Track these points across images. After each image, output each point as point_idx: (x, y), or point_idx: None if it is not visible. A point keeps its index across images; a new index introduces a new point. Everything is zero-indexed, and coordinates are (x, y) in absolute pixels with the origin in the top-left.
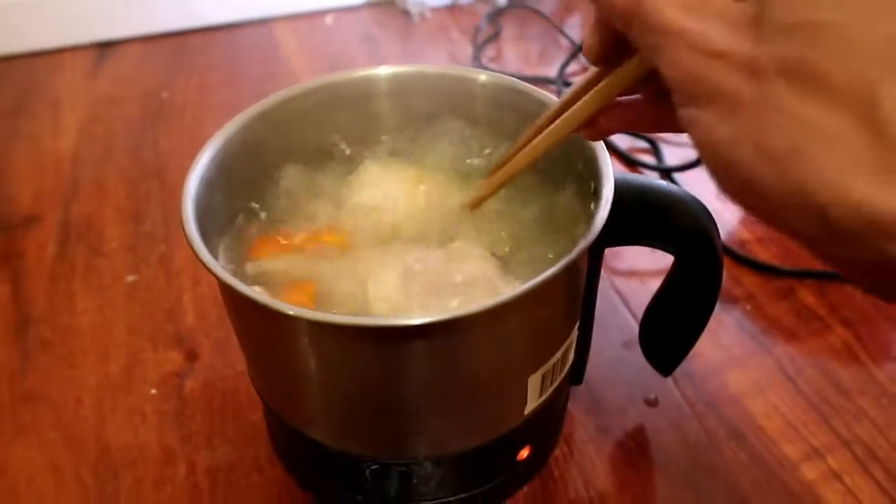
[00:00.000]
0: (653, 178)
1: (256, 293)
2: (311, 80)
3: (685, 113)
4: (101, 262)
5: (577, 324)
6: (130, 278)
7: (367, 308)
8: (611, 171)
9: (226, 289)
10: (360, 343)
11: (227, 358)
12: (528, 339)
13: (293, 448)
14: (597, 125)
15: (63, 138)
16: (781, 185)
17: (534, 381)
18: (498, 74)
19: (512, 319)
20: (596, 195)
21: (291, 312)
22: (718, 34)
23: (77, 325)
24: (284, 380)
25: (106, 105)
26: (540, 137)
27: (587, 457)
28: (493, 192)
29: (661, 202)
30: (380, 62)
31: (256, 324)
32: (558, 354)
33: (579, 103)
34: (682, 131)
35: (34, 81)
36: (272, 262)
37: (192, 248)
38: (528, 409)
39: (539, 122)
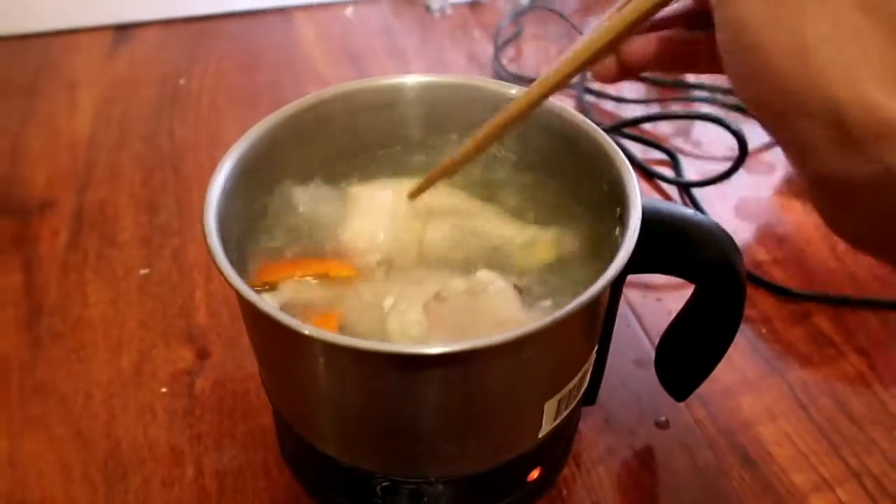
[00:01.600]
0: (680, 207)
1: (277, 312)
2: (335, 86)
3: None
4: (114, 253)
5: (595, 349)
6: (143, 271)
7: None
8: (638, 199)
9: (246, 304)
10: (376, 368)
11: (237, 358)
12: (545, 368)
13: (303, 457)
14: (620, 54)
15: (78, 120)
16: (801, 75)
17: (549, 407)
18: (526, 90)
19: (530, 351)
20: (622, 221)
21: (307, 332)
22: None
23: (88, 317)
24: (298, 395)
25: (123, 88)
26: (558, 64)
27: (595, 477)
28: (503, 128)
29: (690, 234)
30: (398, 57)
31: (274, 340)
32: (575, 380)
33: (602, 26)
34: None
35: (51, 61)
36: (292, 289)
37: (215, 263)
38: (542, 433)
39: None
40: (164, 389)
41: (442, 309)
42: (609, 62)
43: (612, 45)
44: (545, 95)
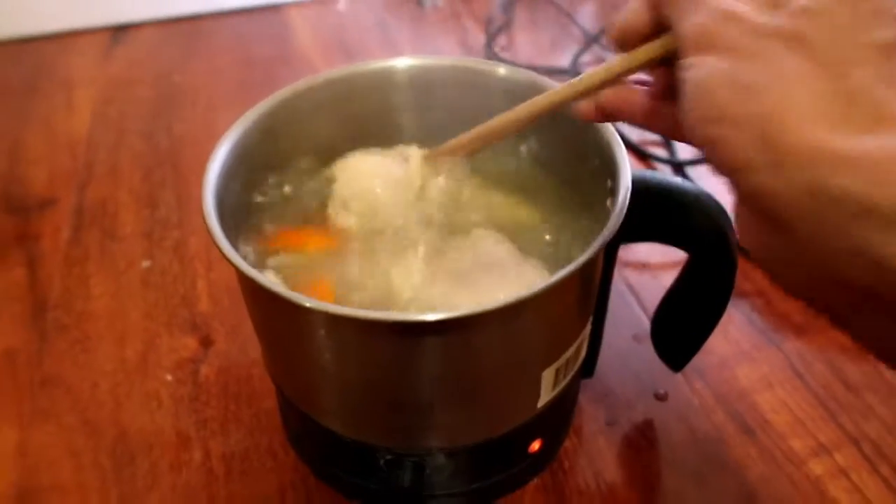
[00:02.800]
0: (669, 176)
1: (275, 285)
2: (327, 72)
3: (685, 62)
4: (115, 247)
5: (591, 319)
6: (145, 264)
7: (391, 294)
8: (628, 169)
9: (245, 280)
10: (375, 337)
11: (240, 344)
12: (542, 334)
13: (307, 436)
14: (599, 98)
15: (77, 121)
16: (740, 110)
17: (547, 376)
18: (516, 68)
19: (527, 316)
20: (612, 192)
21: (308, 304)
22: (741, 8)
23: (92, 309)
24: (300, 370)
25: (120, 88)
26: (539, 98)
27: (596, 449)
28: (472, 147)
29: (678, 200)
30: (392, 49)
31: (274, 315)
32: (572, 349)
33: (587, 72)
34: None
35: (48, 63)
36: (291, 255)
37: (212, 238)
38: (540, 403)
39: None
40: (169, 377)
41: (443, 260)
42: (588, 102)
43: (598, 88)
44: (537, 114)
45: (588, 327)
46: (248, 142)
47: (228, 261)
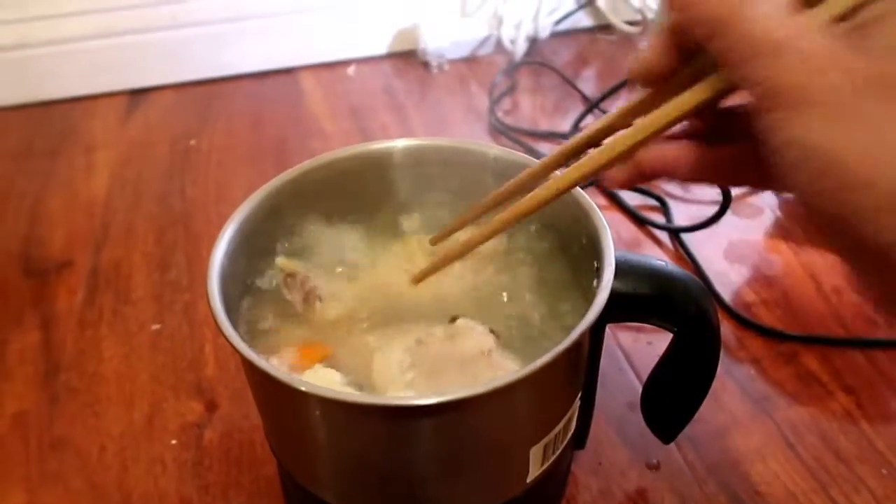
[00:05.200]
0: (652, 258)
1: (274, 368)
2: (332, 152)
3: (777, 118)
4: (127, 310)
5: (579, 395)
6: (155, 327)
7: (371, 381)
8: (612, 252)
9: (245, 362)
10: (368, 418)
11: (244, 410)
12: (530, 413)
13: None
14: (637, 160)
15: (95, 182)
16: (886, 185)
17: (536, 452)
18: (509, 150)
19: (515, 398)
20: (598, 274)
21: (304, 388)
22: (826, 49)
23: (103, 372)
24: (297, 445)
25: (137, 150)
26: (567, 171)
27: None
28: (500, 229)
29: (661, 283)
30: (398, 112)
31: (272, 394)
32: (560, 425)
33: (622, 132)
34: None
35: (69, 126)
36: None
37: (218, 326)
38: (530, 478)
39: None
40: (174, 441)
41: (423, 351)
42: (621, 168)
43: (630, 153)
44: (556, 195)
45: (577, 403)
46: (254, 220)
47: (230, 343)
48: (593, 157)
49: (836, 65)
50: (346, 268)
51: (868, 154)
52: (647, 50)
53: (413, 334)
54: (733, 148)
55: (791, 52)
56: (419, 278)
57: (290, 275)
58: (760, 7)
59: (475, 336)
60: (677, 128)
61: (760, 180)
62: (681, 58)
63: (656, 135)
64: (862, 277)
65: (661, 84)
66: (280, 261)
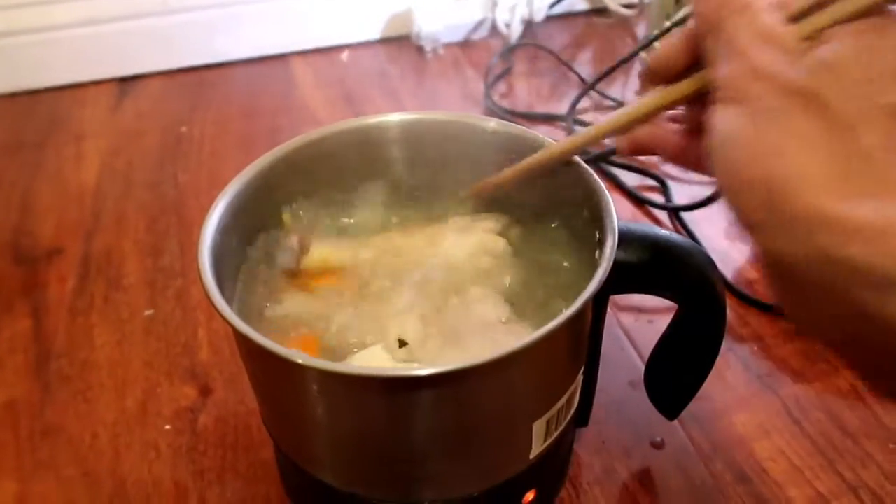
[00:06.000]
0: (656, 227)
1: (268, 342)
2: (323, 128)
3: (715, 108)
4: (119, 296)
5: (582, 369)
6: (148, 312)
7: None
8: (615, 222)
9: (238, 335)
10: (367, 392)
11: (239, 394)
12: (532, 386)
13: (303, 488)
14: (634, 134)
15: (85, 171)
16: (751, 170)
17: (538, 427)
18: (507, 123)
19: (516, 369)
20: (601, 244)
21: (300, 361)
22: (773, 61)
23: (95, 359)
24: (294, 424)
25: (127, 139)
26: (579, 134)
27: (592, 499)
28: (512, 179)
29: (665, 252)
30: (393, 97)
31: (267, 370)
32: (563, 400)
33: (622, 109)
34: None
35: (58, 115)
36: (286, 305)
37: (207, 295)
38: (532, 454)
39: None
40: (167, 427)
41: (441, 319)
42: (623, 140)
43: (635, 123)
44: (571, 151)
45: (579, 378)
46: (245, 197)
47: (222, 316)
48: (602, 125)
49: (771, 77)
50: (344, 237)
51: (746, 140)
52: (663, 49)
53: (422, 301)
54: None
55: (744, 60)
56: (488, 187)
57: (291, 229)
58: (747, 18)
59: (490, 304)
60: (678, 114)
61: None
62: (692, 61)
63: (649, 115)
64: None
65: (667, 82)
66: (286, 215)
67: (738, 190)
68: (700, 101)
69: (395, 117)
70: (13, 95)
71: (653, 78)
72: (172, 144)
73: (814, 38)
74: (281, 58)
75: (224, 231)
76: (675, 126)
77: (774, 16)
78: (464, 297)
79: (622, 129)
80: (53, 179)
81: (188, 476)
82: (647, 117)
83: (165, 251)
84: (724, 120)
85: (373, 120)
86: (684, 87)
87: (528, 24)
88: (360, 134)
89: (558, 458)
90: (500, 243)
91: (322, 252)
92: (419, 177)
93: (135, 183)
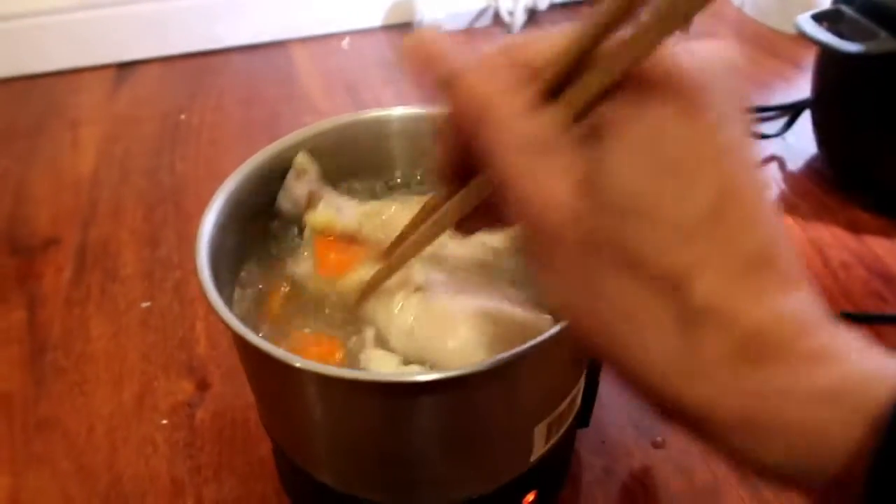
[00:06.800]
0: None
1: (268, 345)
2: (322, 121)
3: (532, 269)
4: (116, 288)
5: (584, 372)
6: (145, 304)
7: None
8: None
9: (238, 339)
10: (367, 397)
11: (237, 389)
12: (534, 391)
13: (301, 487)
14: (464, 227)
15: (82, 159)
16: (616, 364)
17: (540, 431)
18: None
19: (518, 375)
20: None
21: (299, 365)
22: (557, 192)
23: (91, 351)
24: (293, 425)
25: (125, 126)
26: (411, 240)
27: (593, 499)
28: (376, 284)
29: None
30: (393, 85)
31: (267, 372)
32: (564, 404)
33: (440, 212)
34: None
35: (54, 101)
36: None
37: (206, 297)
38: (533, 457)
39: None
40: (164, 421)
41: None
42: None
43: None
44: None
45: (582, 381)
46: (243, 191)
47: (222, 319)
48: (423, 233)
49: (560, 224)
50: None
51: (602, 344)
52: (437, 152)
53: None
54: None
55: (524, 185)
56: (360, 299)
57: (303, 171)
58: (502, 109)
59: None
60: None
61: None
62: (467, 156)
63: (434, 238)
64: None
65: (462, 181)
66: (299, 156)
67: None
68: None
69: (395, 111)
70: (8, 80)
71: (445, 182)
72: (170, 132)
73: (579, 119)
74: (281, 44)
75: (223, 228)
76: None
77: (528, 114)
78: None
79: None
80: (49, 167)
81: (185, 472)
82: (431, 241)
83: (163, 242)
84: (550, 286)
85: (373, 114)
86: (458, 207)
87: (532, 13)
88: (359, 128)
89: (559, 460)
90: None
91: (328, 214)
92: (420, 171)
93: (132, 171)
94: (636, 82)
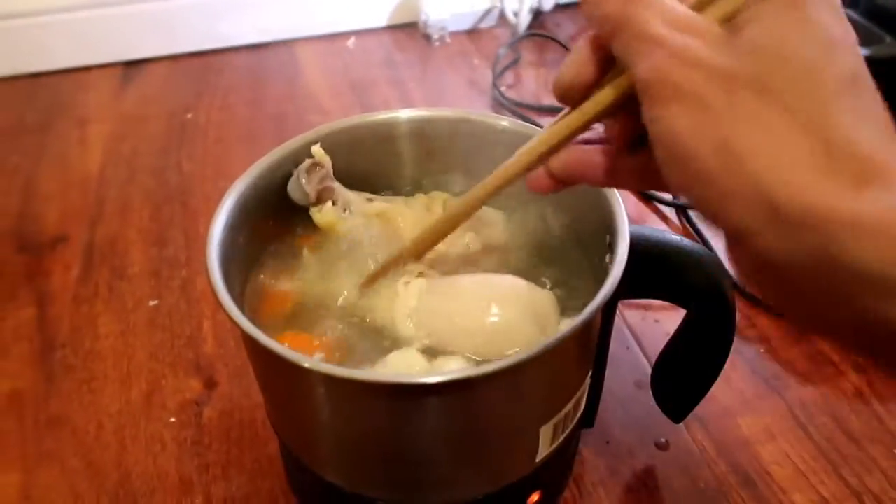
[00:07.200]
0: (667, 233)
1: (278, 345)
2: (333, 122)
3: (652, 112)
4: (123, 286)
5: (589, 373)
6: (152, 303)
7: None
8: (626, 227)
9: (247, 339)
10: (374, 398)
11: (244, 387)
12: (540, 393)
13: (308, 485)
14: (550, 166)
15: (89, 157)
16: (733, 177)
17: (545, 431)
18: (519, 122)
19: (524, 376)
20: (611, 248)
21: (307, 365)
22: (697, 47)
23: (99, 349)
24: (302, 425)
25: (132, 124)
26: (497, 172)
27: (597, 499)
28: (444, 233)
29: (676, 258)
30: (399, 86)
31: (275, 372)
32: (570, 404)
33: (535, 138)
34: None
35: (62, 99)
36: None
37: (217, 297)
38: (539, 458)
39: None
40: (172, 419)
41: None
42: (541, 172)
43: (548, 154)
44: (486, 198)
45: (587, 382)
46: (252, 192)
47: (232, 320)
48: (508, 165)
49: (701, 62)
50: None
51: (715, 146)
52: (568, 64)
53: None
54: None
55: (665, 48)
56: (367, 283)
57: (317, 164)
58: (651, 7)
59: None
60: (596, 133)
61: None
62: (601, 69)
63: (567, 140)
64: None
65: (583, 99)
66: (315, 148)
67: (720, 200)
68: (623, 113)
69: (403, 113)
70: (16, 78)
71: (564, 97)
72: (177, 131)
73: (727, 23)
74: (286, 43)
75: (232, 229)
76: (600, 147)
77: (680, 6)
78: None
79: (538, 160)
80: (57, 165)
81: (193, 470)
82: (562, 143)
83: (170, 241)
84: (668, 123)
85: (381, 116)
86: (603, 97)
87: (537, 14)
88: (367, 130)
89: (563, 460)
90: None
91: (333, 216)
92: (427, 173)
93: (139, 169)
94: None
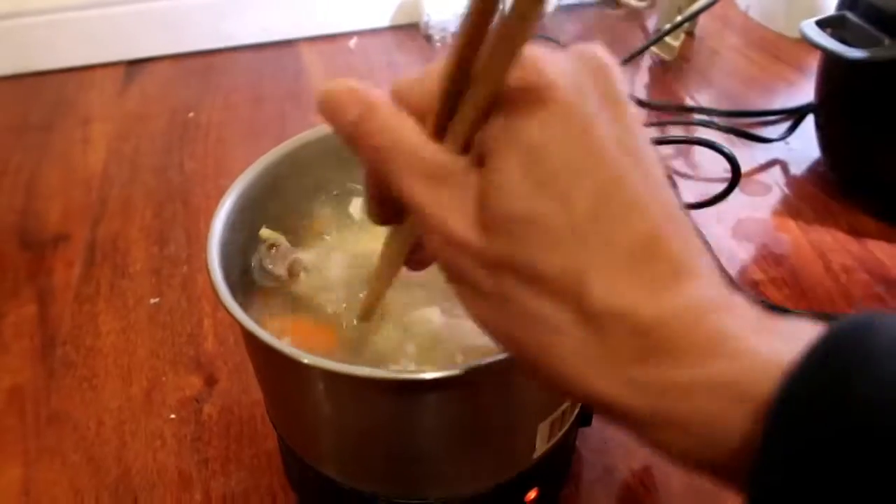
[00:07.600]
0: None
1: (277, 342)
2: (325, 125)
3: (452, 287)
4: (125, 284)
5: None
6: (153, 301)
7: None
8: None
9: (247, 335)
10: (372, 393)
11: (244, 384)
12: (537, 389)
13: (307, 481)
14: (415, 260)
15: (92, 156)
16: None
17: (543, 428)
18: None
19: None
20: None
21: (306, 361)
22: (456, 220)
23: (100, 346)
24: (299, 420)
25: (134, 123)
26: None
27: (594, 497)
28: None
29: None
30: None
31: (275, 368)
32: (567, 402)
33: (390, 252)
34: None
35: (65, 98)
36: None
37: (218, 296)
38: (536, 454)
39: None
40: (172, 416)
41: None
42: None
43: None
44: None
45: None
46: (253, 193)
47: (231, 315)
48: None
49: (467, 247)
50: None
51: (505, 337)
52: (366, 196)
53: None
54: None
55: (430, 225)
56: (364, 316)
57: (273, 245)
58: (402, 154)
59: None
60: None
61: None
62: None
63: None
64: None
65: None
66: (263, 231)
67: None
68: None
69: None
70: (19, 77)
71: (376, 221)
72: (179, 130)
73: (467, 149)
74: (289, 43)
75: (232, 228)
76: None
77: (428, 144)
78: None
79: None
80: (60, 163)
81: (192, 465)
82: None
83: (171, 239)
84: (462, 301)
85: None
86: (401, 250)
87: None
88: None
89: (561, 458)
90: None
91: (310, 285)
92: None
93: (141, 168)
94: (504, 102)
